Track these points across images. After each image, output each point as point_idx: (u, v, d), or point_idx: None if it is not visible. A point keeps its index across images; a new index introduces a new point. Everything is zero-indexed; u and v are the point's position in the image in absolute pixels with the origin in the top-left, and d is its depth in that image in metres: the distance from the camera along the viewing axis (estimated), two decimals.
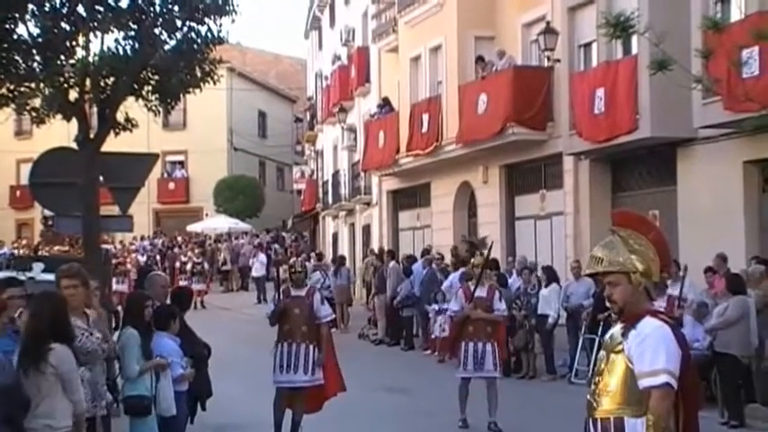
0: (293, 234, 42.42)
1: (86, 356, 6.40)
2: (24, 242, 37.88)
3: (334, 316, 11.86)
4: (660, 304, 10.31)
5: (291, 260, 10.96)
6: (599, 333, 12.67)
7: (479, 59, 21.70)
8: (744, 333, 11.52)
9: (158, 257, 35.12)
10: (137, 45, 11.57)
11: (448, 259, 20.58)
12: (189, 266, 30.46)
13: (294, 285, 10.49)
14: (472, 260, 11.78)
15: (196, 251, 33.14)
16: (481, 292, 11.33)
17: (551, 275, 16.24)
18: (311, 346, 10.14)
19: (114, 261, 27.18)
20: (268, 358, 10.64)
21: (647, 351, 4.35)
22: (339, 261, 23.78)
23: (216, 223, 41.15)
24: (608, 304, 4.73)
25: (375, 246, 27.94)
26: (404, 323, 20.09)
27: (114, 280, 24.13)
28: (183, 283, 27.57)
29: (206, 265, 32.10)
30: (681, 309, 11.48)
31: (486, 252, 12.21)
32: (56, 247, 30.75)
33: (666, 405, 4.34)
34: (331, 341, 10.54)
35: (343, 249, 32.85)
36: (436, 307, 17.86)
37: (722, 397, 11.68)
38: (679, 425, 4.42)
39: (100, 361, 6.67)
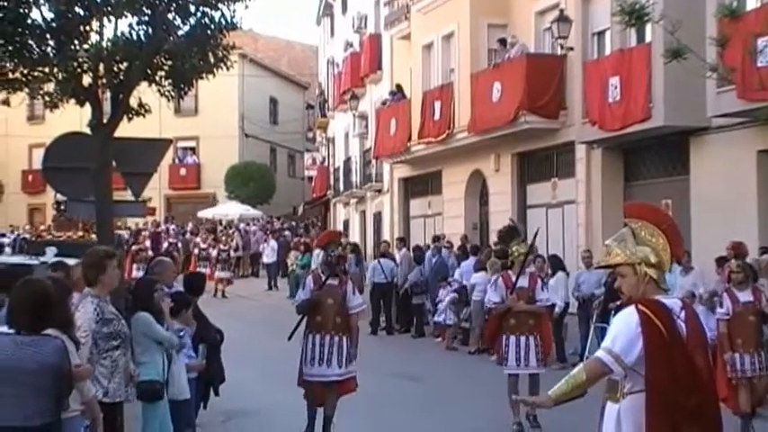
0: (304, 221, 42.28)
1: (122, 341, 6.44)
2: (42, 227, 37.72)
3: (365, 306, 11.21)
4: (747, 298, 10.35)
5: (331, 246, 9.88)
6: (609, 322, 12.61)
7: (501, 41, 21.27)
8: None
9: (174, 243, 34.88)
10: (150, 30, 11.53)
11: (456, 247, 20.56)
12: (214, 253, 29.19)
13: (329, 273, 9.68)
14: (514, 248, 10.69)
15: (223, 238, 32.20)
16: (523, 282, 10.54)
17: (557, 264, 16.21)
18: (344, 338, 9.53)
19: (135, 248, 27.19)
20: (281, 345, 10.53)
21: (610, 331, 4.67)
22: (356, 249, 23.61)
23: (227, 209, 41.23)
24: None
25: (386, 234, 27.92)
26: (414, 311, 20.12)
27: (135, 266, 24.19)
28: (213, 271, 27.62)
29: (232, 253, 31.32)
30: None
31: (532, 239, 11.39)
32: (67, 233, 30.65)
33: (592, 369, 4.63)
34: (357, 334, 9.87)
35: (354, 237, 32.85)
36: (446, 292, 17.88)
37: None
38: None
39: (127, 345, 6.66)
